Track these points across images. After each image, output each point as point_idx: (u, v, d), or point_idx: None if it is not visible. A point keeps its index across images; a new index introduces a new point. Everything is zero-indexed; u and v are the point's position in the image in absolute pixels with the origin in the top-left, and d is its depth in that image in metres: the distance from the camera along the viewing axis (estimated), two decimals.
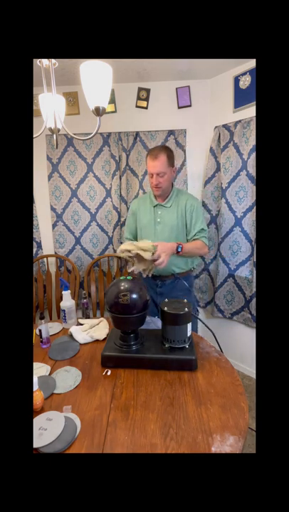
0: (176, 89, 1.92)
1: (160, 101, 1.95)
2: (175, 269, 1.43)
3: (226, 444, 0.69)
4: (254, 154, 1.69)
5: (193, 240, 1.42)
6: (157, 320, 1.28)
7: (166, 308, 0.98)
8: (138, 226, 1.53)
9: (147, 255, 1.16)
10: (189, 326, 1.00)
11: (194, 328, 1.43)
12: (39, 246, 2.19)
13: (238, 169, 1.80)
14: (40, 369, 1.00)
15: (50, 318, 2.05)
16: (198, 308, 2.21)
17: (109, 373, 0.97)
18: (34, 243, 2.17)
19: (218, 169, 1.94)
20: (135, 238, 1.58)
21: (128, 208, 2.10)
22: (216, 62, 1.66)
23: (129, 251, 1.18)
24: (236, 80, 1.73)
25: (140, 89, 1.94)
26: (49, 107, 0.99)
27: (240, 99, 1.73)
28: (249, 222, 1.81)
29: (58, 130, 1.00)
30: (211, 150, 1.93)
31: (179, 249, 1.28)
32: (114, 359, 1.00)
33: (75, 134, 1.00)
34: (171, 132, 1.99)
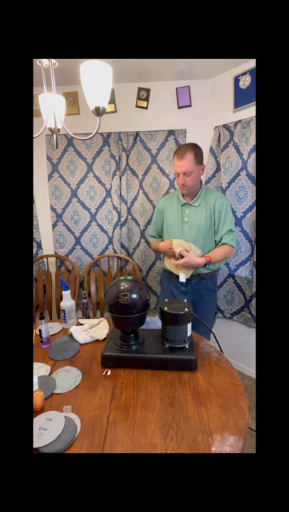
0: (176, 89, 1.92)
1: (160, 101, 1.95)
2: (202, 269, 1.43)
3: (226, 444, 0.69)
4: (254, 154, 1.69)
5: (221, 243, 1.41)
6: (157, 320, 1.28)
7: (166, 308, 0.98)
8: (165, 224, 1.52)
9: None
10: (189, 326, 1.00)
11: (207, 333, 1.40)
12: (39, 246, 2.19)
13: (238, 169, 1.80)
14: (40, 369, 1.00)
15: (50, 318, 2.05)
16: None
17: (109, 373, 0.97)
18: (34, 243, 2.17)
19: (218, 169, 1.94)
20: (160, 237, 1.58)
21: (128, 208, 2.10)
22: (216, 62, 1.66)
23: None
24: (236, 80, 1.73)
25: (140, 89, 1.94)
26: (49, 107, 0.99)
27: (240, 99, 1.73)
28: (249, 222, 1.81)
29: (58, 130, 1.00)
30: (211, 150, 1.93)
31: (208, 265, 1.33)
32: (114, 359, 1.00)
33: (75, 134, 1.00)
34: (171, 132, 1.99)
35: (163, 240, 1.54)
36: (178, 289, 1.49)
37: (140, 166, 2.04)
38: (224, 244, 1.41)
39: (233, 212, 1.86)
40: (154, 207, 2.08)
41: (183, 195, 1.45)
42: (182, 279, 1.36)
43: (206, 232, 1.42)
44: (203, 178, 2.04)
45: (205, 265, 1.31)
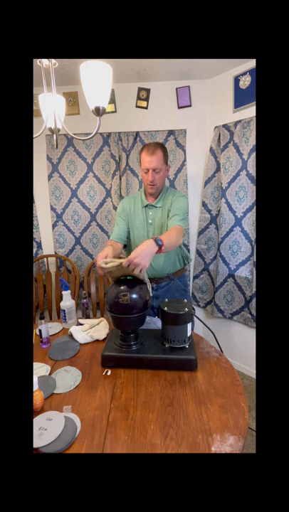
0: (176, 89, 1.92)
1: (160, 101, 1.95)
2: (169, 269, 1.41)
3: (226, 444, 0.69)
4: (254, 154, 1.69)
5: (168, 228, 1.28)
6: (157, 320, 1.28)
7: (166, 308, 0.98)
8: (131, 227, 1.43)
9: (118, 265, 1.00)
10: (189, 326, 1.00)
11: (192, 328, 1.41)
12: (39, 246, 2.19)
13: (238, 169, 1.80)
14: (40, 369, 1.00)
15: (50, 318, 2.05)
16: (198, 308, 2.21)
17: (109, 373, 0.97)
18: (34, 243, 2.17)
19: (218, 169, 1.94)
20: (123, 241, 1.42)
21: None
22: (216, 62, 1.66)
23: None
24: (236, 79, 1.73)
25: (140, 89, 1.94)
26: (49, 107, 0.99)
27: (240, 99, 1.73)
28: (249, 222, 1.81)
29: (58, 130, 1.00)
30: (211, 150, 1.93)
31: (160, 243, 1.05)
32: (114, 359, 1.00)
33: (75, 134, 1.00)
34: (171, 132, 1.99)
35: (125, 244, 1.44)
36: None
37: (140, 165, 2.04)
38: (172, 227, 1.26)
39: (233, 212, 1.86)
40: None
41: (146, 195, 1.41)
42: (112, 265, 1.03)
43: (166, 228, 1.34)
44: (202, 178, 2.04)
45: (158, 244, 1.04)
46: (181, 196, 1.38)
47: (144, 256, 0.98)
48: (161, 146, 1.32)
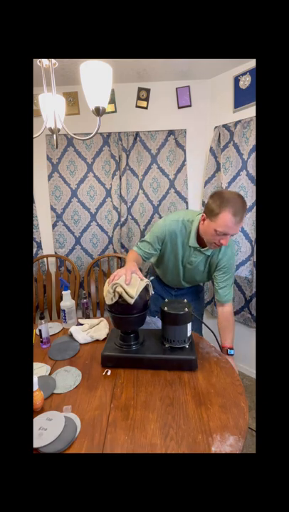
0: (176, 89, 1.92)
1: (160, 101, 1.95)
2: (188, 286, 1.42)
3: (226, 444, 0.69)
4: (254, 154, 1.69)
5: (217, 299, 1.25)
6: (157, 320, 1.28)
7: (166, 308, 0.98)
8: (166, 254, 1.28)
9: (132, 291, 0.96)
10: (189, 326, 1.00)
11: (198, 330, 1.41)
12: (39, 246, 2.19)
13: (238, 169, 1.80)
14: (40, 369, 1.00)
15: (50, 318, 2.05)
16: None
17: (109, 373, 0.97)
18: (34, 243, 2.17)
19: (218, 169, 1.94)
20: (148, 259, 1.31)
21: (128, 208, 2.09)
22: (216, 62, 1.66)
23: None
24: (236, 79, 1.73)
25: (140, 89, 1.94)
26: (49, 107, 0.99)
27: (240, 99, 1.73)
28: (249, 222, 1.81)
29: (58, 130, 1.00)
30: (211, 150, 1.93)
31: (232, 353, 1.16)
32: (114, 359, 1.00)
33: (75, 134, 1.00)
34: (171, 132, 1.99)
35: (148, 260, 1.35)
36: (168, 292, 1.47)
37: (140, 166, 2.04)
38: (226, 306, 1.24)
39: None
40: (154, 207, 2.09)
41: (198, 238, 1.18)
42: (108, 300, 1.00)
43: (203, 274, 1.30)
44: (202, 178, 2.04)
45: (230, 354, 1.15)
46: (232, 258, 1.23)
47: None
48: (245, 208, 1.04)
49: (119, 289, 0.95)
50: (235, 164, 1.80)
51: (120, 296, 0.95)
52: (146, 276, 1.66)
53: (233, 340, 1.21)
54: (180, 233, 1.21)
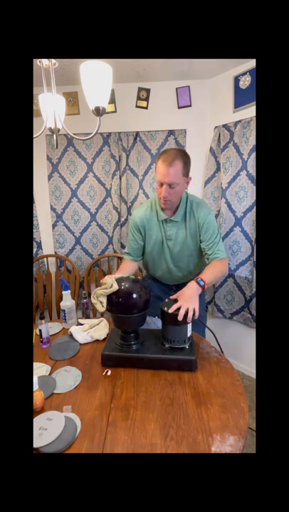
0: (176, 89, 1.92)
1: (160, 101, 1.96)
2: (182, 277, 1.40)
3: (226, 444, 0.69)
4: (254, 154, 1.69)
5: (209, 261, 1.23)
6: (157, 320, 1.28)
7: (166, 309, 0.98)
8: (147, 243, 1.31)
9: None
10: (189, 326, 1.00)
11: (201, 331, 1.39)
12: (39, 246, 2.19)
13: (238, 169, 1.80)
14: (40, 369, 1.00)
15: (50, 318, 2.05)
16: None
17: (109, 373, 0.97)
18: (34, 243, 2.17)
19: (218, 169, 1.94)
20: (140, 259, 1.37)
21: (128, 208, 2.09)
22: (216, 62, 1.66)
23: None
24: (236, 80, 1.73)
25: (140, 89, 1.94)
26: (49, 107, 0.99)
27: (240, 99, 1.73)
28: (249, 222, 1.81)
29: (58, 130, 1.00)
30: (211, 150, 1.93)
31: (202, 283, 1.07)
32: (114, 358, 1.00)
33: (75, 134, 1.00)
34: (171, 132, 1.99)
35: (140, 260, 1.39)
36: (167, 293, 1.46)
37: (140, 166, 2.04)
38: (212, 260, 1.22)
39: (233, 212, 1.86)
40: None
41: (162, 209, 1.23)
42: (101, 308, 1.02)
43: (191, 249, 1.28)
44: (202, 178, 2.04)
45: (200, 285, 1.07)
46: (208, 214, 1.23)
47: (193, 298, 1.00)
48: (182, 156, 1.12)
49: (98, 292, 1.01)
50: (235, 164, 1.80)
51: (105, 296, 1.01)
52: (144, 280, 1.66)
53: (210, 281, 1.12)
54: (149, 215, 1.28)
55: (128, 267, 1.34)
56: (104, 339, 1.18)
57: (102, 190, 2.10)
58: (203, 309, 1.54)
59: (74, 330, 1.20)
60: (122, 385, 0.91)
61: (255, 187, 1.73)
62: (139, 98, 1.96)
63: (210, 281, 1.11)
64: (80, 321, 1.32)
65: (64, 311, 1.28)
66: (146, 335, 1.09)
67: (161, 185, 1.13)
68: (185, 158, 1.13)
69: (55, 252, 2.19)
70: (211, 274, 1.14)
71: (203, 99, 1.95)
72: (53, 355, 1.08)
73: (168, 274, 1.39)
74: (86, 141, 2.03)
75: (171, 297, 1.05)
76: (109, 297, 1.00)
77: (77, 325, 1.28)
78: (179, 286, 1.42)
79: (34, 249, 2.18)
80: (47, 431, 0.72)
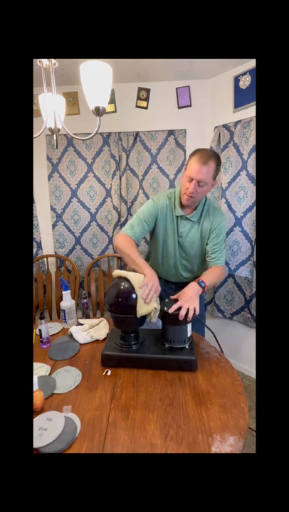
0: (176, 89, 1.92)
1: (160, 101, 1.95)
2: (185, 277, 1.40)
3: (226, 444, 0.69)
4: (254, 154, 1.69)
5: (210, 266, 1.26)
6: (157, 320, 1.28)
7: (166, 309, 0.98)
8: (159, 234, 1.31)
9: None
10: (189, 326, 1.00)
11: (200, 331, 1.40)
12: (39, 246, 2.19)
13: (238, 169, 1.80)
14: (40, 369, 1.00)
15: (50, 318, 2.05)
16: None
17: (109, 373, 0.97)
18: (34, 243, 2.17)
19: None
20: (138, 240, 1.28)
21: (128, 208, 2.09)
22: (216, 62, 1.66)
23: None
24: (236, 80, 1.73)
25: (140, 89, 1.94)
26: (49, 107, 0.99)
27: (240, 99, 1.73)
28: (249, 222, 1.81)
29: (58, 130, 1.00)
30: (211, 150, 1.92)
31: (202, 285, 1.09)
32: (114, 358, 1.00)
33: (75, 134, 1.00)
34: (171, 132, 1.99)
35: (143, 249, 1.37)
36: (167, 292, 1.45)
37: (140, 166, 2.04)
38: (213, 265, 1.25)
39: (233, 212, 1.86)
40: None
41: (181, 204, 1.24)
42: (154, 319, 1.03)
43: (198, 250, 1.30)
44: None
45: (203, 289, 1.09)
46: (223, 220, 1.27)
47: (194, 298, 1.02)
48: (216, 158, 1.15)
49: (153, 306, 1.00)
50: (235, 164, 1.80)
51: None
52: None
53: (210, 283, 1.15)
54: (168, 207, 1.27)
55: (135, 245, 1.25)
56: (104, 339, 1.18)
57: (102, 190, 2.10)
58: (203, 309, 1.55)
59: (74, 330, 1.20)
60: (122, 385, 0.91)
61: (255, 187, 1.73)
62: (139, 98, 1.96)
63: (210, 283, 1.14)
64: (80, 321, 1.32)
65: (64, 311, 1.28)
66: (146, 335, 1.09)
67: (191, 180, 1.14)
68: (218, 161, 1.16)
69: (55, 252, 2.19)
70: (211, 277, 1.17)
71: (203, 99, 1.94)
72: (53, 355, 1.08)
73: (174, 270, 1.39)
74: (86, 141, 2.03)
75: (172, 297, 1.06)
76: (109, 297, 1.00)
77: (77, 325, 1.28)
78: (179, 284, 1.43)
79: (34, 249, 2.18)
80: (47, 431, 0.72)
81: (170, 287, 1.46)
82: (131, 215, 2.11)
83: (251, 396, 1.74)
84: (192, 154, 1.16)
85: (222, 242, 1.26)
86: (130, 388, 0.90)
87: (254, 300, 1.85)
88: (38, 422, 0.75)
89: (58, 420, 0.75)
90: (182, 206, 1.25)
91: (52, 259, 2.14)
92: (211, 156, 1.13)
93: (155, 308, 1.00)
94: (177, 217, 1.26)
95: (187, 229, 1.27)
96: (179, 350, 0.99)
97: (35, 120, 1.87)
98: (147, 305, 0.99)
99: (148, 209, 1.27)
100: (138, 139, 1.99)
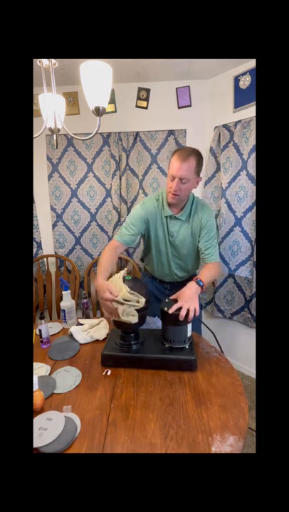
0: (176, 89, 1.92)
1: (160, 101, 1.95)
2: (179, 276, 1.40)
3: (226, 444, 0.69)
4: (254, 154, 1.69)
5: (204, 263, 1.26)
6: (157, 320, 1.28)
7: (166, 309, 0.98)
8: (151, 238, 1.32)
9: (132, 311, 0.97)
10: (189, 326, 1.00)
11: (197, 329, 1.41)
12: (39, 246, 2.19)
13: (238, 169, 1.80)
14: (40, 369, 1.00)
15: (50, 318, 2.05)
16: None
17: (109, 373, 0.97)
18: (34, 243, 2.17)
19: (218, 169, 1.94)
20: (127, 243, 1.29)
21: (128, 208, 2.09)
22: (216, 62, 1.66)
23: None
24: (236, 80, 1.73)
25: (140, 89, 1.94)
26: (49, 107, 0.99)
27: (240, 99, 1.73)
28: (249, 222, 1.81)
29: (58, 130, 1.00)
30: (211, 150, 1.93)
31: (201, 284, 1.08)
32: (114, 358, 1.00)
33: (75, 134, 1.00)
34: (171, 132, 1.99)
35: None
36: (163, 293, 1.46)
37: (140, 166, 2.04)
38: (208, 262, 1.25)
39: (233, 212, 1.86)
40: None
41: (169, 204, 1.25)
42: (135, 320, 0.98)
43: (190, 248, 1.30)
44: (203, 178, 2.04)
45: (202, 288, 1.08)
46: (212, 216, 1.27)
47: (193, 298, 1.02)
48: (197, 155, 1.16)
49: (128, 310, 0.97)
50: (235, 164, 1.80)
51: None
52: (142, 280, 1.64)
53: (208, 281, 1.13)
54: (157, 208, 1.28)
55: (120, 247, 1.28)
56: (104, 339, 1.18)
57: (102, 190, 2.10)
58: (200, 306, 1.55)
59: (74, 330, 1.20)
60: (122, 385, 0.91)
61: (255, 187, 1.73)
62: (139, 98, 1.96)
63: (208, 281, 1.14)
64: (80, 321, 1.32)
65: (64, 311, 1.28)
66: (146, 335, 1.09)
67: (173, 179, 1.16)
68: (199, 158, 1.17)
69: (55, 252, 2.19)
70: (208, 275, 1.16)
71: (203, 99, 1.94)
72: (53, 355, 1.08)
73: (168, 269, 1.39)
74: (86, 141, 2.03)
75: (171, 297, 1.05)
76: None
77: (77, 325, 1.28)
78: (174, 284, 1.43)
79: (34, 249, 2.18)
80: (47, 431, 0.72)
81: (165, 287, 1.47)
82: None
83: (251, 396, 1.74)
84: (173, 154, 1.18)
85: (214, 238, 1.26)
86: (130, 388, 0.90)
87: (254, 300, 1.85)
88: (38, 421, 0.75)
89: (58, 420, 0.75)
90: (170, 206, 1.26)
91: (52, 259, 2.14)
92: (191, 153, 1.14)
93: (124, 311, 0.96)
94: (166, 217, 1.27)
95: (177, 228, 1.28)
96: (178, 350, 0.99)
97: (35, 120, 1.87)
98: (123, 316, 0.96)
99: (136, 212, 1.29)
100: (138, 139, 1.99)
